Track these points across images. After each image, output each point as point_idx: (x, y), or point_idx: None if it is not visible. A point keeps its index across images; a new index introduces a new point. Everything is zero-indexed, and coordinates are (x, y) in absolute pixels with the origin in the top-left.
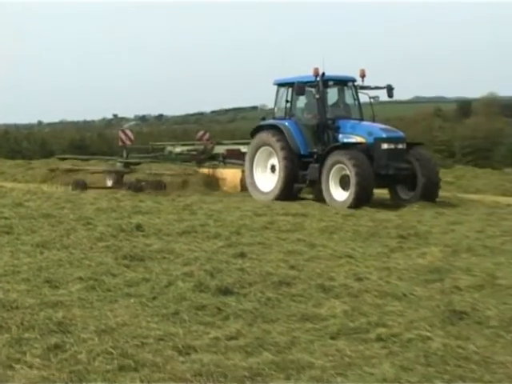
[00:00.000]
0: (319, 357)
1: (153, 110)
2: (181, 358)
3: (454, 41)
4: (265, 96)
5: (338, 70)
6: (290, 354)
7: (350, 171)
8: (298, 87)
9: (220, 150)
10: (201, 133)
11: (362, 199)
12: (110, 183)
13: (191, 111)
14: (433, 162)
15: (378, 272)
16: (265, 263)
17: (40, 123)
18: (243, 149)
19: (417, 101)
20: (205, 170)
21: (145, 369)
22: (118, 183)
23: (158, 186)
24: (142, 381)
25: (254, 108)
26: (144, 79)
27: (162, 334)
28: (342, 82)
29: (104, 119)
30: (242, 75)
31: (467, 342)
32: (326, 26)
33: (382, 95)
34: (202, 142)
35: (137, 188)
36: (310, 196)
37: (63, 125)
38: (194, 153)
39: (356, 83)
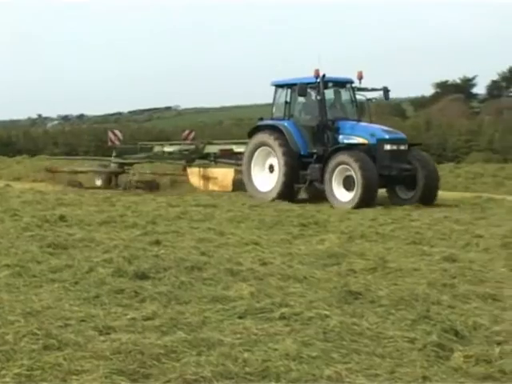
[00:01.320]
0: (228, 335)
1: (74, 110)
2: (101, 338)
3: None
4: (179, 97)
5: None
6: (202, 333)
7: (355, 172)
8: (300, 88)
9: (211, 149)
10: (186, 132)
11: (367, 200)
12: (99, 183)
13: (110, 111)
14: (432, 163)
15: (281, 257)
16: (178, 250)
17: None
18: (236, 149)
19: None
20: (195, 169)
21: (68, 348)
22: (108, 183)
23: (152, 186)
24: (65, 359)
25: (168, 108)
26: (65, 80)
27: (83, 316)
28: (341, 84)
29: (29, 118)
30: (158, 76)
31: (361, 319)
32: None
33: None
34: (191, 142)
35: (131, 188)
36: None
37: None
38: (186, 152)
39: (354, 85)
